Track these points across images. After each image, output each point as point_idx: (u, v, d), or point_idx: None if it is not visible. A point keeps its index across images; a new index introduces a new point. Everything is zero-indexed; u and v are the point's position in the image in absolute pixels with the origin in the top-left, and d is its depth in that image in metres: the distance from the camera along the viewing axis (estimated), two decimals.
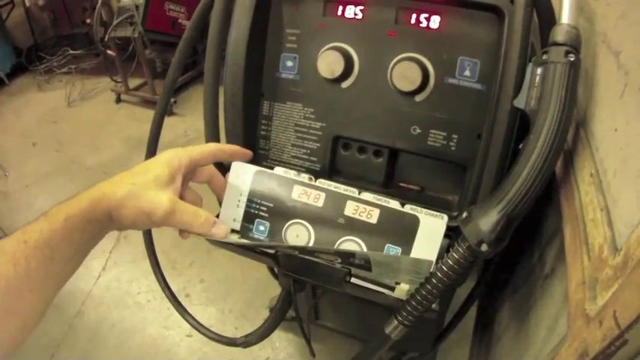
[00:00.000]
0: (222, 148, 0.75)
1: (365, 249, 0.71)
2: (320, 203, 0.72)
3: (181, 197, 0.67)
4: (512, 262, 1.13)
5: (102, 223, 0.61)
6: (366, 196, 0.70)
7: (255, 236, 0.76)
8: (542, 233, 0.93)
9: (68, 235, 0.57)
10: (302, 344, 1.62)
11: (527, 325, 0.87)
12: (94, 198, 0.59)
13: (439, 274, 0.62)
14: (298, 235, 0.74)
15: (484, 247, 0.58)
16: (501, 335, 1.09)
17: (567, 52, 0.59)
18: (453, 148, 0.74)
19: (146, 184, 0.61)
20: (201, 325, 1.11)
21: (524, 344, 0.85)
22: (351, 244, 0.71)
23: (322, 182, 0.73)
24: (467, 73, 0.71)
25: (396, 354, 1.41)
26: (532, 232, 0.98)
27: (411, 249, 0.68)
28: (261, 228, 0.75)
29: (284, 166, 0.84)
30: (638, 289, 0.38)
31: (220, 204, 0.78)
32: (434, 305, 0.67)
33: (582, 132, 0.65)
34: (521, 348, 0.86)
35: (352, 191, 0.71)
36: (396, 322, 0.69)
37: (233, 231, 0.77)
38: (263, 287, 1.87)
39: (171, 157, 0.65)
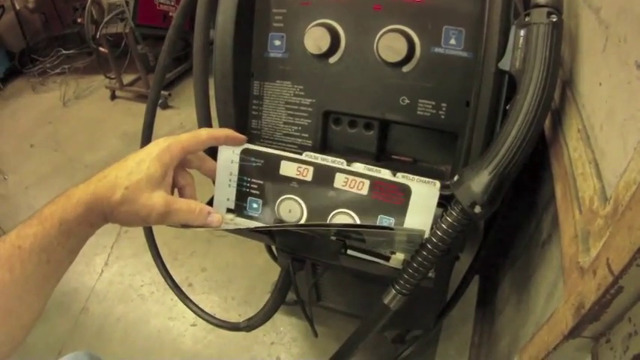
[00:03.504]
0: (215, 134, 0.72)
1: (357, 221, 0.70)
2: (309, 177, 0.72)
3: (174, 183, 0.68)
4: (511, 235, 1.13)
5: (97, 224, 0.62)
6: (356, 167, 0.70)
7: (250, 214, 0.77)
8: (537, 202, 0.93)
9: (63, 240, 0.58)
10: (306, 327, 1.62)
11: (527, 294, 0.87)
12: (88, 202, 0.59)
13: (434, 240, 0.62)
14: (291, 210, 0.74)
15: (477, 209, 0.59)
16: (503, 308, 1.10)
17: (549, 13, 0.59)
18: (442, 117, 0.74)
19: (139, 186, 0.61)
20: (205, 312, 1.12)
21: (525, 313, 0.86)
22: (344, 216, 0.71)
23: (309, 155, 0.72)
24: (452, 41, 0.71)
25: (399, 332, 1.41)
26: (528, 201, 0.99)
27: (404, 219, 0.67)
28: (255, 205, 0.76)
29: (277, 145, 0.84)
30: (630, 231, 0.38)
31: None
32: (430, 273, 0.68)
33: (569, 91, 0.66)
34: (523, 317, 0.86)
35: (340, 162, 0.70)
36: (394, 291, 0.69)
37: (228, 210, 0.77)
38: (264, 273, 1.87)
39: (162, 152, 0.64)
